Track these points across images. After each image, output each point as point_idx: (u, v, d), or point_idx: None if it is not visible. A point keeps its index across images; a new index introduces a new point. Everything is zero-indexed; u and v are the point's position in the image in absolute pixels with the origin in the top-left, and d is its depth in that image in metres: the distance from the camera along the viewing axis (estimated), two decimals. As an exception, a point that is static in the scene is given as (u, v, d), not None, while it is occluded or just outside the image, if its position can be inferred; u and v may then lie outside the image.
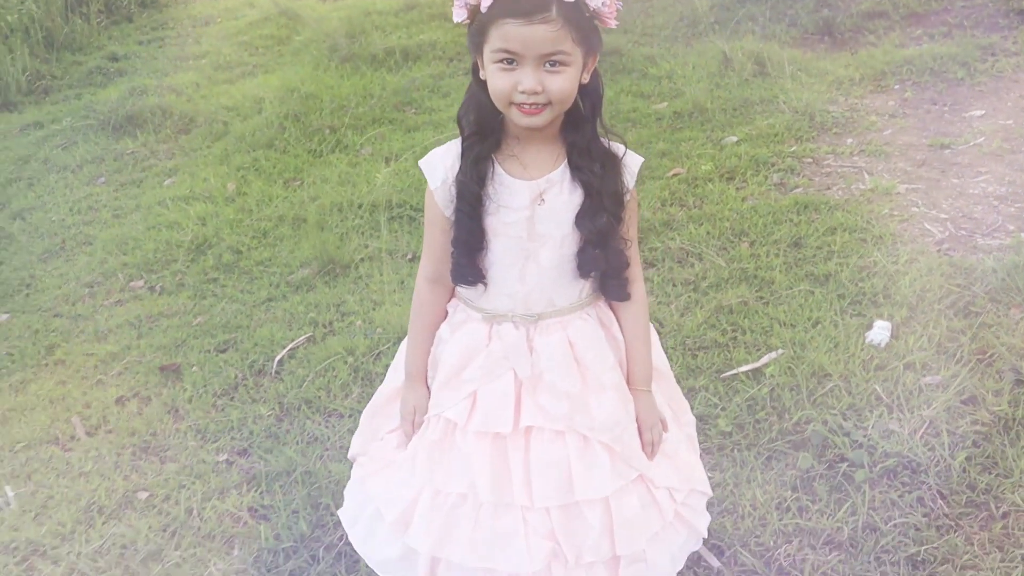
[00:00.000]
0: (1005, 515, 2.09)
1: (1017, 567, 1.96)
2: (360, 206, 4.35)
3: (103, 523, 2.43)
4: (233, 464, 2.62)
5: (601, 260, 1.59)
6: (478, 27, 1.47)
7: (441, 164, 1.59)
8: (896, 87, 5.09)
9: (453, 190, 1.57)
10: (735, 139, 4.64)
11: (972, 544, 2.03)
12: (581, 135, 1.55)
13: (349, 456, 1.87)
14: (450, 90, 6.29)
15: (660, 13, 7.19)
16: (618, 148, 1.60)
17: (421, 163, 1.62)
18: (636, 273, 1.68)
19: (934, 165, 4.07)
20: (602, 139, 1.58)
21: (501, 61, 1.44)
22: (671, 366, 2.00)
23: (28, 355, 3.47)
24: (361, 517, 1.76)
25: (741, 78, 5.47)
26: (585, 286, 1.64)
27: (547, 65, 1.43)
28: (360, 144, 5.39)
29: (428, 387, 1.72)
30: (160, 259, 4.16)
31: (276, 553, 2.22)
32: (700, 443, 2.38)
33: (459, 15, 1.50)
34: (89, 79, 7.51)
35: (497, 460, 1.59)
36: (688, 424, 1.89)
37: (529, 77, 1.42)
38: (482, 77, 1.51)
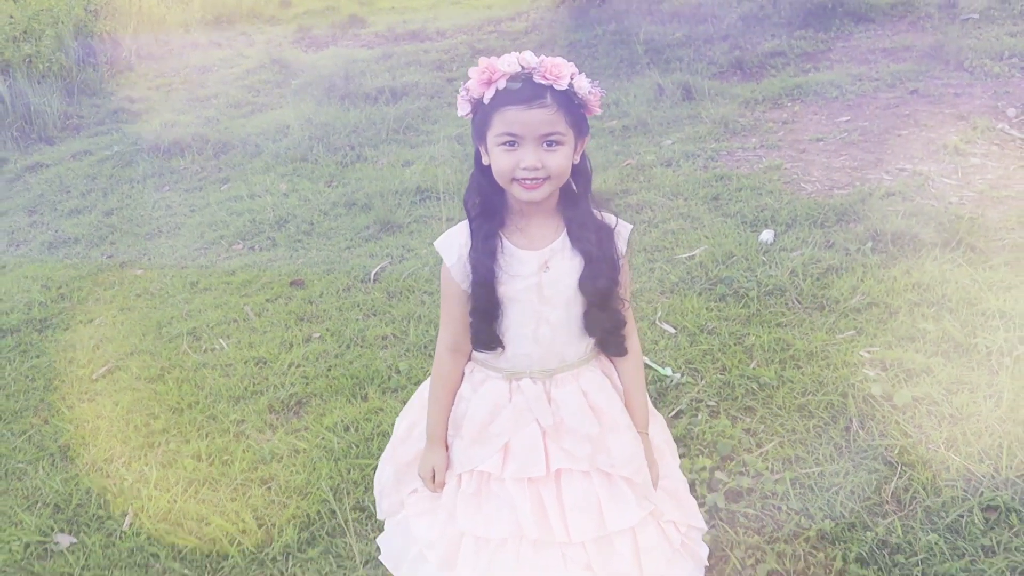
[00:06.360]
0: (832, 304, 4.00)
1: (825, 322, 3.85)
2: (396, 192, 6.19)
3: (296, 347, 4.18)
4: (369, 318, 4.40)
5: (604, 319, 1.88)
6: (482, 117, 1.75)
7: (456, 243, 1.86)
8: (788, 104, 7.20)
9: (468, 266, 1.83)
10: (671, 141, 6.64)
11: (812, 316, 3.93)
12: (577, 210, 1.83)
13: (380, 516, 2.22)
14: (437, 118, 8.23)
15: (604, 56, 9.32)
16: (610, 219, 1.88)
17: (436, 244, 1.90)
18: (631, 329, 1.96)
19: (811, 151, 6.11)
20: (595, 211, 1.86)
21: (504, 143, 1.71)
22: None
23: (176, 288, 5.19)
24: (405, 559, 2.06)
25: (672, 101, 7.53)
26: (589, 342, 1.93)
27: (545, 144, 1.70)
28: (376, 157, 7.24)
29: (447, 447, 2.01)
30: (250, 231, 5.92)
31: (418, 349, 4.01)
32: (660, 286, 4.28)
33: (463, 109, 1.77)
34: (116, 116, 9.25)
35: (535, 502, 1.86)
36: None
37: (530, 155, 1.69)
38: (484, 163, 1.78)
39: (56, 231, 6.56)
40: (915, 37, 8.29)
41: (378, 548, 2.20)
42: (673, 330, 3.91)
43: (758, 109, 7.17)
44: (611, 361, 2.00)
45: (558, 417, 1.88)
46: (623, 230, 1.89)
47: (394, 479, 2.12)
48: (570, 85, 1.70)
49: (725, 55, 8.71)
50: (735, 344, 3.75)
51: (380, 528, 2.40)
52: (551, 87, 1.69)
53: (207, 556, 2.85)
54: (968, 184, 5.19)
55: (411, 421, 2.14)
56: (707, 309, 4.08)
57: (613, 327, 1.90)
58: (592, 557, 1.86)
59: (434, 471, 1.99)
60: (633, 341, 1.98)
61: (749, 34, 9.21)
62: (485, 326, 1.86)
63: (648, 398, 2.08)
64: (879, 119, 6.55)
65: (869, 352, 3.58)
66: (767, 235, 4.75)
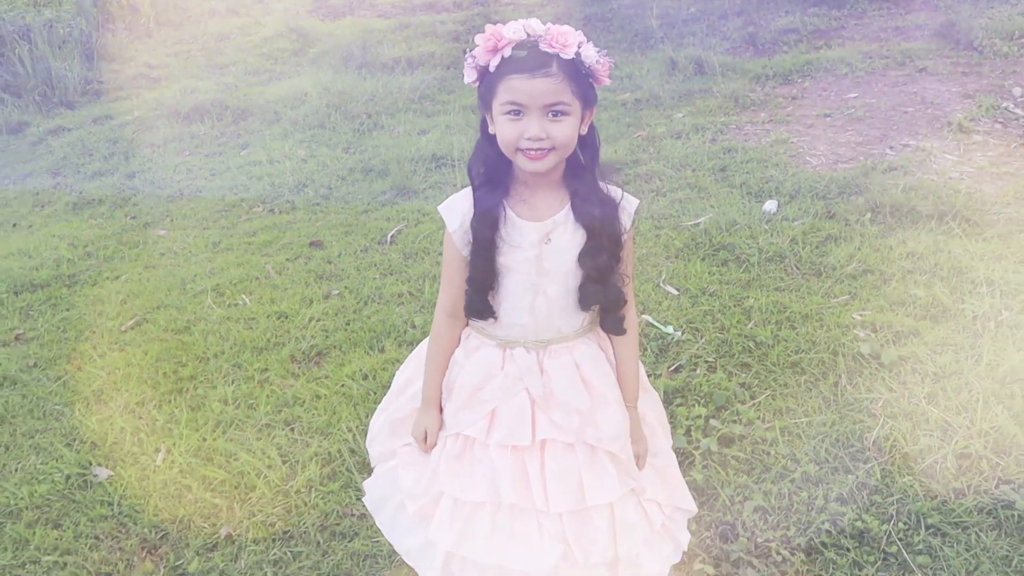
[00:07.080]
0: (829, 270, 4.22)
1: (822, 287, 4.06)
2: (412, 159, 6.41)
3: (316, 303, 4.42)
4: (386, 277, 4.64)
5: (600, 295, 1.87)
6: (487, 85, 1.74)
7: (459, 209, 1.86)
8: (799, 80, 7.38)
9: (469, 233, 1.84)
10: (681, 114, 6.84)
11: (809, 281, 4.15)
12: (582, 182, 1.82)
13: (372, 463, 2.26)
14: (453, 88, 8.43)
15: (619, 30, 9.50)
16: (616, 192, 1.86)
17: (440, 208, 1.89)
18: (629, 305, 1.96)
19: (818, 126, 6.30)
20: (600, 184, 1.84)
21: (509, 112, 1.70)
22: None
23: (199, 247, 5.43)
24: (386, 506, 2.13)
25: (685, 76, 7.72)
26: (586, 316, 1.93)
27: (550, 114, 1.69)
28: (392, 125, 7.46)
29: (441, 409, 2.03)
30: (270, 194, 6.16)
31: (433, 306, 4.24)
32: (665, 251, 4.51)
33: (469, 76, 1.76)
34: (135, 82, 9.48)
35: (517, 470, 1.89)
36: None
37: (534, 125, 1.68)
38: (491, 132, 1.77)
39: (80, 192, 6.81)
40: (927, 16, 8.44)
41: (363, 491, 2.25)
42: (676, 292, 4.13)
43: (768, 84, 7.36)
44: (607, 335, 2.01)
45: (548, 388, 1.89)
46: (628, 205, 1.87)
47: (389, 429, 2.15)
48: (577, 54, 1.67)
49: (738, 31, 8.88)
50: (734, 306, 3.98)
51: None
52: (557, 56, 1.66)
53: (236, 488, 3.10)
54: (969, 160, 5.38)
55: (409, 375, 2.17)
56: (709, 273, 4.30)
57: (611, 303, 1.90)
58: (567, 529, 1.89)
59: (426, 433, 2.03)
60: (630, 317, 1.98)
61: (763, 10, 9.37)
62: (479, 295, 1.87)
63: (642, 372, 2.10)
64: (886, 96, 6.73)
65: (861, 315, 3.80)
66: (770, 205, 4.96)
